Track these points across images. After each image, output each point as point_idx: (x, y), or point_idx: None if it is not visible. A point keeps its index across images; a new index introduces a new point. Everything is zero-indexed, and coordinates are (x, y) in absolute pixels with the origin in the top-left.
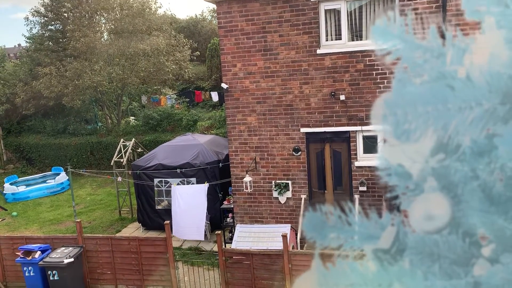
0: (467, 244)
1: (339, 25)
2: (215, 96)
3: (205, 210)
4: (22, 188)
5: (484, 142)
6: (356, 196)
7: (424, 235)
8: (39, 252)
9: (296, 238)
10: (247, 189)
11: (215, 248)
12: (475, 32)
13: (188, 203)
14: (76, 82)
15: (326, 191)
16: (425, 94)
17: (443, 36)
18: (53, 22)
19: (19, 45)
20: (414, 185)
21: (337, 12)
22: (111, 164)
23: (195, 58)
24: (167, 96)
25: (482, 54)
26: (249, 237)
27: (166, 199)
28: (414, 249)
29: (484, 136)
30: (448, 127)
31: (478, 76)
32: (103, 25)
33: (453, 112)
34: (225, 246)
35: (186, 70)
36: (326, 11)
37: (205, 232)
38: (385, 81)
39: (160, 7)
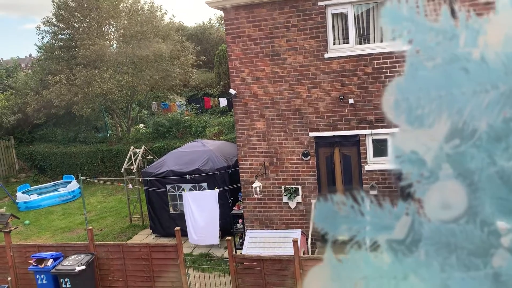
0: (486, 233)
1: (347, 29)
2: (223, 102)
3: (218, 215)
4: (34, 197)
5: (501, 126)
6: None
7: (440, 224)
8: (51, 260)
9: (307, 243)
10: (256, 194)
11: (226, 254)
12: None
13: (200, 209)
14: (86, 90)
15: None
16: (438, 78)
17: (454, 16)
18: (63, 32)
19: (30, 55)
20: (429, 173)
21: (344, 16)
22: (122, 171)
23: (201, 63)
24: (177, 102)
25: (497, 34)
26: (260, 242)
27: (180, 203)
28: (430, 239)
29: (501, 120)
30: (463, 112)
31: (493, 58)
32: (112, 34)
33: (468, 96)
34: (235, 252)
35: (191, 75)
36: (333, 15)
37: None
38: None
39: (165, 13)
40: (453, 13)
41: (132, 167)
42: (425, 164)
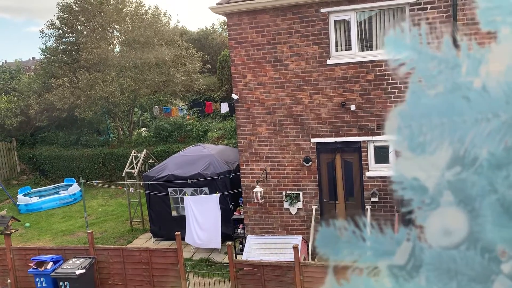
0: (486, 260)
1: (349, 35)
2: (224, 107)
3: (219, 219)
4: (35, 199)
5: (502, 154)
6: (368, 207)
7: (441, 250)
8: (51, 263)
9: (308, 249)
10: (257, 199)
11: (226, 260)
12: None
13: (202, 213)
14: (88, 93)
15: (337, 202)
16: (440, 105)
17: (456, 46)
18: (67, 35)
19: (33, 58)
20: (430, 199)
21: (346, 23)
22: (123, 175)
23: (206, 70)
24: (178, 107)
25: (498, 64)
26: (260, 248)
27: (181, 206)
28: (430, 265)
29: (502, 148)
30: (465, 140)
31: (494, 87)
32: (115, 37)
33: (469, 124)
34: (235, 258)
35: (196, 82)
36: (335, 22)
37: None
38: (396, 91)
39: (170, 19)
40: (455, 42)
41: (133, 171)
42: (427, 191)
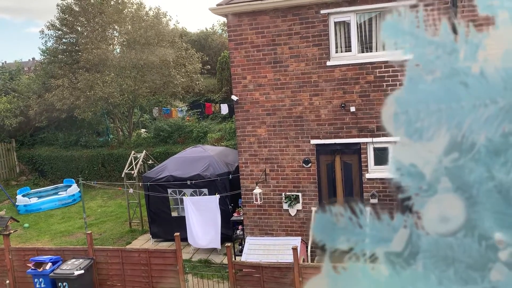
0: (483, 247)
1: (349, 37)
2: (224, 108)
3: (219, 219)
4: (34, 200)
5: (500, 140)
6: (367, 209)
7: (438, 237)
8: (50, 264)
9: (307, 250)
10: (257, 201)
11: (225, 261)
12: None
13: (202, 213)
14: (88, 94)
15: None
16: (438, 91)
17: (455, 31)
18: (67, 36)
19: (33, 59)
20: (427, 186)
21: (346, 24)
22: (122, 176)
23: (205, 71)
24: (178, 108)
25: (496, 49)
26: (259, 249)
27: (181, 207)
28: (427, 252)
29: (499, 134)
30: (462, 126)
31: (492, 73)
32: (116, 38)
33: (467, 110)
34: (235, 259)
35: (197, 83)
36: (335, 23)
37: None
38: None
39: (170, 20)
40: (453, 27)
41: (132, 172)
42: (424, 177)
